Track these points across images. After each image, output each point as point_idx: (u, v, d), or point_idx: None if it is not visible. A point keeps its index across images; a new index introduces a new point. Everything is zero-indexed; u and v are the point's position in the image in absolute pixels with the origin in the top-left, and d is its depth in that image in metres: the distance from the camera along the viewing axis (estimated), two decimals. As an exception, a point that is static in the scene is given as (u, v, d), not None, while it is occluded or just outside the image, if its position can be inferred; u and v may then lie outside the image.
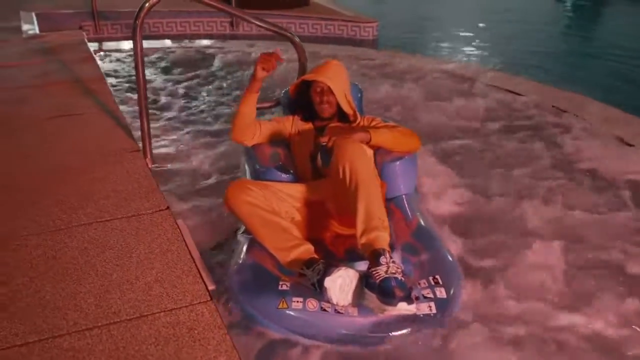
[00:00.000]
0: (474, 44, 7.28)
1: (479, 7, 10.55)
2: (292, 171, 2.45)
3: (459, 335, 1.87)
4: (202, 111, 4.47)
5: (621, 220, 2.78)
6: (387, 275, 1.76)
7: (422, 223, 2.25)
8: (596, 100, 4.46)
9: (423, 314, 1.82)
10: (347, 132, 2.31)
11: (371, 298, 1.81)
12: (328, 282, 1.79)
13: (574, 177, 3.23)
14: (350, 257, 2.09)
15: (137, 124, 3.06)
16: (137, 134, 3.04)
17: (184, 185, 3.11)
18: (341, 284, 1.81)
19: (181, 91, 4.98)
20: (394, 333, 1.78)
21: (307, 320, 1.79)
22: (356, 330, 1.78)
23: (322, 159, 2.38)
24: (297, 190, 2.24)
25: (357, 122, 2.61)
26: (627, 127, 3.95)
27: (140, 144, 2.92)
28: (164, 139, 3.77)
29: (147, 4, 2.55)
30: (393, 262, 1.82)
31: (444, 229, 2.58)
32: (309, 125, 2.64)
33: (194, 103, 4.68)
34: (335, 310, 1.80)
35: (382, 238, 1.90)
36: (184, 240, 2.00)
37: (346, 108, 2.59)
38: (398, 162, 2.42)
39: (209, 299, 1.70)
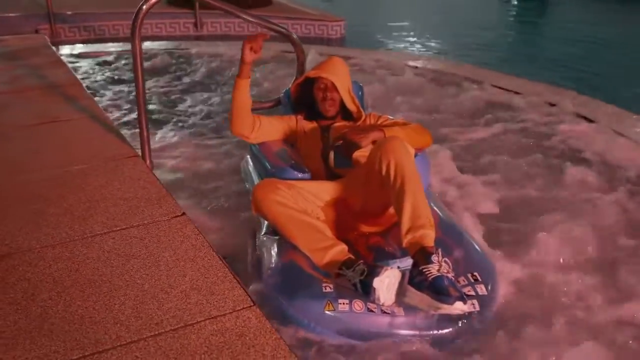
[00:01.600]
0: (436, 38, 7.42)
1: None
2: (307, 170, 2.42)
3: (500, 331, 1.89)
4: (192, 114, 4.38)
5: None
6: (439, 274, 1.76)
7: (446, 219, 2.26)
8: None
9: (467, 312, 1.83)
10: (361, 131, 2.30)
11: (414, 296, 1.79)
12: (377, 282, 1.76)
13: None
14: (376, 255, 2.08)
15: (125, 130, 2.99)
16: (130, 139, 2.96)
17: (186, 190, 3.03)
18: (388, 283, 1.79)
19: (164, 95, 4.85)
20: (442, 331, 1.78)
21: (354, 321, 1.77)
22: (404, 330, 1.77)
23: (336, 159, 2.36)
24: (320, 189, 2.22)
25: (362, 119, 2.61)
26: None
27: (137, 150, 2.82)
28: (157, 144, 3.66)
29: (145, 6, 2.46)
30: (445, 261, 1.82)
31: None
32: (314, 125, 2.62)
33: (181, 107, 4.58)
34: (382, 310, 1.79)
35: (430, 236, 1.89)
36: (211, 247, 1.95)
37: (350, 105, 2.59)
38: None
39: (252, 303, 1.66)
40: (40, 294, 1.71)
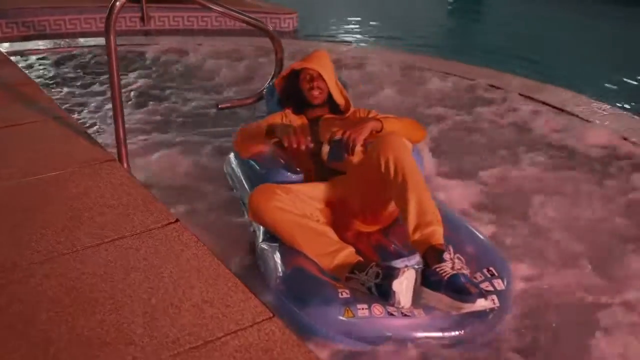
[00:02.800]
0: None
1: None
2: (300, 170, 2.34)
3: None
4: (161, 114, 4.17)
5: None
6: (454, 272, 1.73)
7: (448, 213, 2.23)
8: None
9: (489, 309, 1.80)
10: (358, 122, 2.26)
11: (431, 297, 1.75)
12: (396, 285, 1.71)
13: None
14: (380, 254, 2.04)
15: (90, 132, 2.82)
16: (101, 141, 2.80)
17: (170, 195, 2.87)
18: (406, 285, 1.75)
19: (126, 93, 4.62)
20: (464, 330, 1.75)
21: (376, 326, 1.71)
22: (427, 332, 1.73)
23: (332, 154, 2.29)
24: (317, 191, 2.15)
25: (351, 112, 2.57)
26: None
27: (112, 153, 2.67)
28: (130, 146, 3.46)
29: (118, 1, 2.32)
30: (458, 257, 1.79)
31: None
32: (302, 119, 2.55)
33: (150, 107, 4.35)
34: (402, 313, 1.74)
35: (439, 233, 1.86)
36: (214, 255, 1.85)
37: (337, 96, 2.54)
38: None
39: (271, 314, 1.58)
40: (38, 315, 1.58)
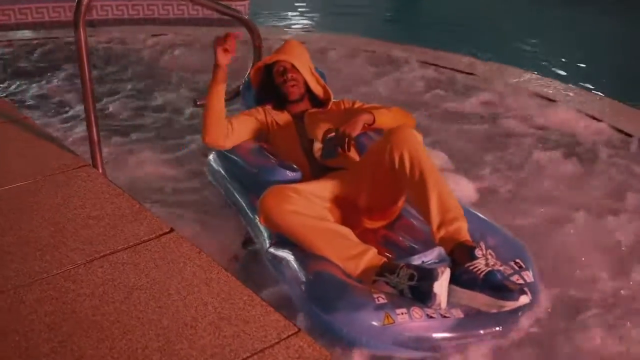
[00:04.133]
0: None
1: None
2: (297, 168, 2.22)
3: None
4: (120, 113, 3.90)
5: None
6: (489, 269, 1.67)
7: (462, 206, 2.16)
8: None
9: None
10: (349, 116, 2.18)
11: (466, 296, 1.69)
12: (437, 287, 1.64)
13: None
14: (393, 250, 1.97)
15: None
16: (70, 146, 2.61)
17: (153, 202, 2.69)
18: (445, 286, 1.67)
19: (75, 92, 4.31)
20: (502, 327, 1.69)
21: (417, 331, 1.63)
22: (469, 331, 1.66)
23: (326, 151, 2.20)
24: (322, 189, 2.05)
25: (331, 101, 2.48)
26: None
27: (83, 158, 2.48)
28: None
29: (90, -9, 2.13)
30: (490, 253, 1.73)
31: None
32: (285, 115, 2.44)
33: (110, 104, 4.07)
34: (441, 314, 1.67)
35: (465, 229, 1.80)
36: (221, 266, 1.74)
37: (315, 86, 2.45)
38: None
39: (297, 329, 1.48)
40: (39, 347, 1.43)
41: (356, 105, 2.48)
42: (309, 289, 1.76)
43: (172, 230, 1.92)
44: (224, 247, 2.23)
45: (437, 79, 4.43)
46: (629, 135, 3.30)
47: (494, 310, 1.66)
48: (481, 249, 1.72)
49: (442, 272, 1.64)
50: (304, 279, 1.79)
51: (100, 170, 2.40)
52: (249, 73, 2.78)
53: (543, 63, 5.10)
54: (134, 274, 1.69)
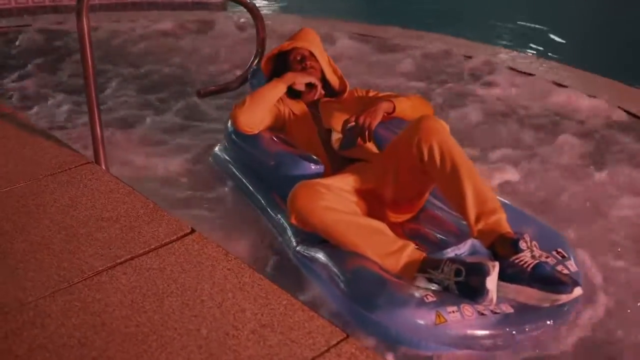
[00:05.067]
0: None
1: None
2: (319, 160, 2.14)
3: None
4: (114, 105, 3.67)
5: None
6: (536, 261, 1.62)
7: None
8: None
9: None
10: (368, 105, 2.11)
11: (513, 291, 1.63)
12: (490, 283, 1.57)
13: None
14: (424, 244, 1.92)
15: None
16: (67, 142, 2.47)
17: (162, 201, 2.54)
18: (495, 281, 1.62)
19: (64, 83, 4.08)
20: (553, 321, 1.65)
21: (471, 329, 1.57)
22: (521, 327, 1.61)
23: (345, 142, 2.12)
24: (347, 183, 1.96)
25: (347, 90, 2.41)
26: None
27: (84, 154, 2.35)
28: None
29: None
30: (535, 245, 1.68)
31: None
32: (301, 104, 2.36)
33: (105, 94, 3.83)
34: (492, 311, 1.61)
35: (504, 220, 1.75)
36: (253, 269, 1.66)
37: (331, 76, 2.37)
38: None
39: (345, 334, 1.42)
40: (73, 365, 1.33)
41: (371, 94, 2.40)
42: (351, 288, 1.68)
43: (193, 230, 1.83)
44: (246, 245, 2.14)
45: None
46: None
47: (547, 304, 1.61)
48: (525, 241, 1.67)
49: (493, 267, 1.59)
50: (343, 277, 1.71)
51: (103, 166, 2.28)
52: (256, 61, 2.68)
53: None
54: (162, 280, 1.60)
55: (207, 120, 3.35)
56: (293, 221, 1.84)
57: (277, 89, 2.24)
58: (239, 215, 2.33)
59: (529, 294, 1.62)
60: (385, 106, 2.10)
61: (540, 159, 2.84)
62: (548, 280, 1.59)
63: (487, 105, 3.52)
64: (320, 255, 1.83)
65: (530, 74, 4.01)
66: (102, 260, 1.68)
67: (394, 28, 5.26)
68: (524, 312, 1.63)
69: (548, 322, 1.63)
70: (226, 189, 2.53)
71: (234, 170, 2.43)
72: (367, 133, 2.03)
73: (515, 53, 4.63)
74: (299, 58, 2.33)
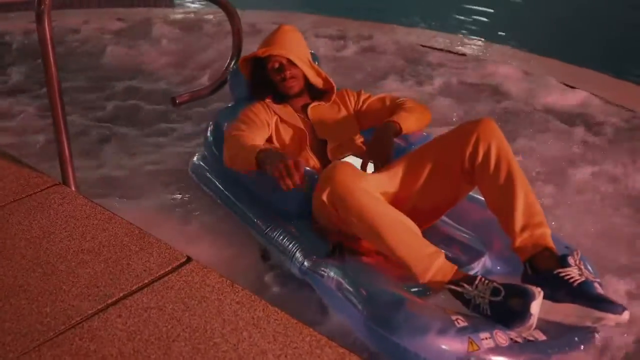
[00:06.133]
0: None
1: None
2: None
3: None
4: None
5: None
6: (584, 279, 1.50)
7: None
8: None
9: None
10: (377, 139, 1.96)
11: (552, 309, 1.51)
12: (535, 307, 1.44)
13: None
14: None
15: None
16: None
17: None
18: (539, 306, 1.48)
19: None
20: (588, 344, 1.54)
21: (506, 358, 1.44)
22: (554, 354, 1.49)
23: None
24: (376, 182, 1.78)
25: (334, 91, 2.25)
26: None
27: (48, 174, 2.11)
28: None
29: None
30: (584, 264, 1.56)
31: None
32: (288, 109, 2.18)
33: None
34: (525, 338, 1.48)
35: (550, 236, 1.62)
36: (262, 299, 1.48)
37: (314, 79, 2.20)
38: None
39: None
40: None
41: (362, 98, 2.24)
42: (373, 309, 1.51)
43: (189, 259, 1.64)
44: (244, 267, 1.95)
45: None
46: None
47: (588, 323, 1.50)
48: (574, 258, 1.56)
49: (539, 292, 1.46)
50: (363, 296, 1.55)
51: (73, 189, 2.04)
52: (234, 62, 2.48)
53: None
54: (164, 321, 1.41)
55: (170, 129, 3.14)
56: (324, 198, 1.63)
57: (248, 165, 1.87)
58: (226, 232, 2.14)
59: (568, 311, 1.50)
60: (392, 132, 1.96)
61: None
62: (596, 297, 1.47)
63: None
64: (336, 271, 1.66)
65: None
66: (90, 301, 1.47)
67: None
68: (556, 339, 1.52)
69: (581, 347, 1.53)
70: (208, 203, 2.32)
71: (218, 184, 2.23)
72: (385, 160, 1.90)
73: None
74: (276, 67, 2.14)
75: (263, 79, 2.22)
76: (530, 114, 3.38)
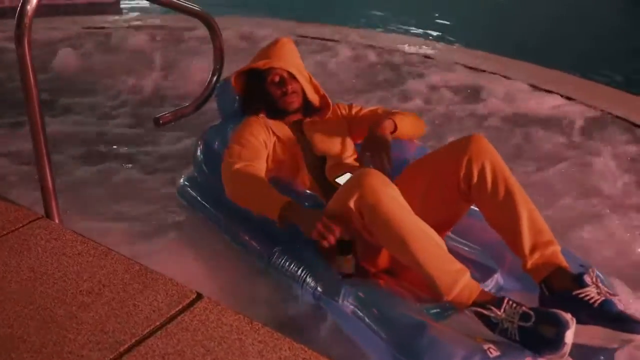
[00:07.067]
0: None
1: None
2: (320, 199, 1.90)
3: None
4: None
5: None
6: (604, 297, 1.48)
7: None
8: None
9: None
10: (357, 122, 1.94)
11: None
12: (570, 336, 1.41)
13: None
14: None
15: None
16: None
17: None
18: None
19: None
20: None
21: None
22: None
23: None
24: None
25: (330, 108, 2.20)
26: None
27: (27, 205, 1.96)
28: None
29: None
30: (598, 280, 1.54)
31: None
32: (282, 126, 2.11)
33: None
34: None
35: (560, 253, 1.60)
36: (285, 336, 1.41)
37: (312, 95, 2.16)
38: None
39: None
40: None
41: (353, 110, 2.20)
42: (396, 336, 1.46)
43: (200, 295, 1.54)
44: (251, 295, 1.86)
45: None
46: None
47: (615, 345, 1.49)
48: (591, 276, 1.55)
49: (572, 320, 1.43)
50: (384, 322, 1.49)
51: (57, 221, 1.91)
52: (215, 78, 2.38)
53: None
54: (188, 367, 1.31)
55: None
56: (351, 204, 1.58)
57: (266, 213, 1.80)
58: (223, 258, 2.05)
59: (593, 333, 1.48)
60: (389, 126, 1.92)
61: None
62: (620, 318, 1.46)
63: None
64: (349, 296, 1.60)
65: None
66: (100, 350, 1.36)
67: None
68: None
69: None
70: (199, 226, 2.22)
71: (211, 208, 2.14)
72: (385, 163, 1.84)
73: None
74: (277, 80, 2.07)
75: (256, 94, 2.14)
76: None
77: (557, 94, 3.81)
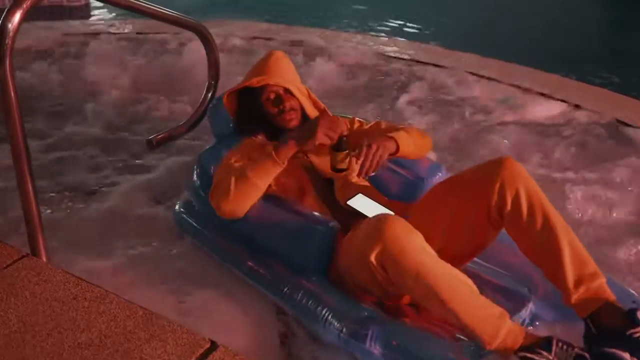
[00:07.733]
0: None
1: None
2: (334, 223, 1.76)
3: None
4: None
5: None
6: None
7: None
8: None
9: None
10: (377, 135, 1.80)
11: None
12: None
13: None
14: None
15: None
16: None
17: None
18: None
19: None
20: None
21: None
22: None
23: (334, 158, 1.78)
24: None
25: None
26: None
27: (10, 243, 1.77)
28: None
29: (18, 13, 1.44)
30: None
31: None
32: None
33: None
34: None
35: (606, 286, 1.48)
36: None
37: (311, 110, 2.02)
38: (439, 175, 1.97)
39: None
40: None
41: (356, 125, 2.06)
42: None
43: (214, 344, 1.38)
44: (258, 339, 1.70)
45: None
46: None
47: None
48: None
49: (623, 356, 1.31)
50: None
51: (44, 259, 1.72)
52: (210, 94, 2.22)
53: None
54: None
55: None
56: (372, 259, 1.43)
57: (270, 171, 1.74)
58: (228, 297, 1.87)
59: None
60: (389, 146, 1.78)
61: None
62: None
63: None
64: (379, 337, 1.46)
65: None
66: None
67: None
68: None
69: None
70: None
71: (210, 238, 1.97)
72: (374, 164, 1.70)
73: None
74: (273, 98, 1.93)
75: (251, 113, 1.99)
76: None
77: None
